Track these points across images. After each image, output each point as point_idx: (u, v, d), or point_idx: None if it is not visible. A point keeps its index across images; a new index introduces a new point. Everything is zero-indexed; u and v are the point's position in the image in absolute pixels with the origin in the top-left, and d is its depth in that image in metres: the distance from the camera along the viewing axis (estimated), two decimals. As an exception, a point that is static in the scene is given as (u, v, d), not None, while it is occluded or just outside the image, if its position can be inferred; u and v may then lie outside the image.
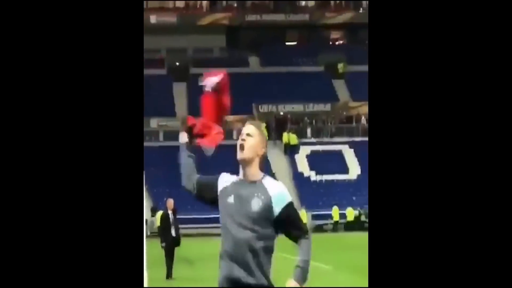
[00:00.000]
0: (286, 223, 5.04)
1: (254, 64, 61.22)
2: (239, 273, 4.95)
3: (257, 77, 58.13)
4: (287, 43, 64.49)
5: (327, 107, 58.23)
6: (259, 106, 56.37)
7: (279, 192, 5.04)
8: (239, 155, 5.07)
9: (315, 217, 45.16)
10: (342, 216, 46.77)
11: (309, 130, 56.53)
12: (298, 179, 51.41)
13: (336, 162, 52.59)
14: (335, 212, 46.21)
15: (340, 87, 59.96)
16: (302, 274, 4.99)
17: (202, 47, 59.73)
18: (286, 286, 4.93)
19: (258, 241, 4.97)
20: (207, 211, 46.67)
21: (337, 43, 66.06)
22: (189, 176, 5.21)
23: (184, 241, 20.24)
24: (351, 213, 47.09)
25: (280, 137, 55.03)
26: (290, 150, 53.97)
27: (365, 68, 60.28)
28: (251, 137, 5.10)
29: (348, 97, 59.28)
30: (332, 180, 51.17)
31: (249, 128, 5.15)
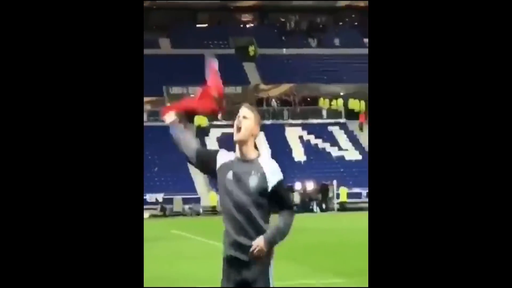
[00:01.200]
0: (277, 197, 5.49)
1: (164, 46, 60.80)
2: (241, 240, 5.40)
3: (167, 59, 57.75)
4: (198, 25, 64.23)
5: (238, 89, 58.29)
6: (170, 88, 56.07)
7: (273, 170, 5.50)
8: (236, 136, 5.56)
9: (225, 199, 45.35)
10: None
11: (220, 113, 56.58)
12: (209, 162, 51.39)
13: (247, 145, 52.80)
14: (245, 194, 46.46)
15: (251, 70, 60.09)
16: (272, 237, 5.41)
17: (112, 28, 58.91)
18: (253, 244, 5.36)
19: (256, 210, 5.41)
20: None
21: (248, 25, 66.11)
22: (190, 145, 5.66)
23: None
24: (261, 196, 47.35)
25: (191, 120, 54.91)
26: (201, 133, 53.91)
27: (275, 51, 60.67)
28: (246, 119, 5.56)
29: (259, 80, 59.48)
30: (243, 163, 51.44)
31: (244, 111, 5.61)
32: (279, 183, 5.49)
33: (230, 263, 5.50)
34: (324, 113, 57.00)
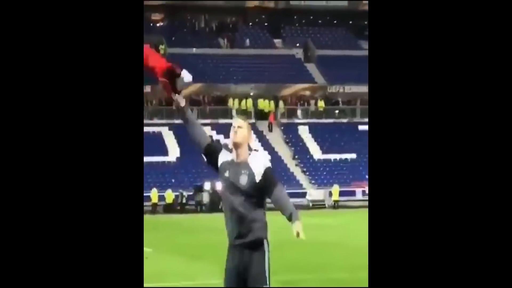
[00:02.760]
0: (264, 183, 6.47)
1: (72, 43, 60.02)
2: (240, 229, 6.41)
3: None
4: (107, 23, 63.61)
5: (147, 88, 57.97)
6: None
7: (260, 166, 6.52)
8: (235, 139, 6.57)
9: (134, 199, 45.02)
10: (161, 198, 46.82)
11: (128, 112, 56.13)
12: (117, 161, 50.98)
13: (156, 144, 52.55)
14: (153, 194, 46.21)
15: (160, 69, 59.78)
16: (295, 213, 6.34)
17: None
18: (295, 229, 6.20)
19: (248, 206, 6.42)
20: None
21: (158, 24, 65.78)
22: (203, 139, 6.72)
23: None
24: (170, 196, 47.20)
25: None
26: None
27: (185, 50, 60.56)
28: (241, 128, 6.63)
29: (168, 79, 59.22)
30: (151, 162, 51.09)
31: (238, 121, 6.69)
32: (265, 173, 6.47)
33: (234, 249, 6.45)
34: (234, 113, 57.18)
